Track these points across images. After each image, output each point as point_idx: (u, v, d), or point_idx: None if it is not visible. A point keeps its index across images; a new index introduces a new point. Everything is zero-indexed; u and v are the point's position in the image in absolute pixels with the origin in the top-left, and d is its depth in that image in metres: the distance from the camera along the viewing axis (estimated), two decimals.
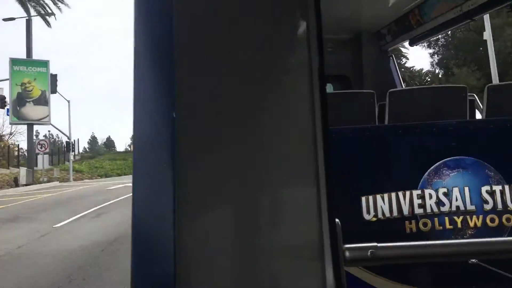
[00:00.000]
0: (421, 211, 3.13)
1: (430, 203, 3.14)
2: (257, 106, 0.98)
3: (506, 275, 2.89)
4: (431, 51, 37.49)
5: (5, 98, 37.58)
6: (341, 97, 3.73)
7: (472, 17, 4.89)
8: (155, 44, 0.95)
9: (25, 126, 41.86)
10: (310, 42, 0.99)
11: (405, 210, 3.12)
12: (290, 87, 1.01)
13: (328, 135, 1.01)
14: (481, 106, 4.00)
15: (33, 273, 8.46)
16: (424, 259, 1.38)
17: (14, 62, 39.67)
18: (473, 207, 3.13)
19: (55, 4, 42.37)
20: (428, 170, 3.18)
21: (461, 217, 3.13)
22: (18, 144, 46.49)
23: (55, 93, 41.09)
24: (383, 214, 3.11)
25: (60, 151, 53.09)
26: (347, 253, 1.17)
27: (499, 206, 3.13)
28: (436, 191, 3.15)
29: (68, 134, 43.02)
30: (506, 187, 3.15)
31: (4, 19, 40.03)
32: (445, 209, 3.13)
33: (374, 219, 3.10)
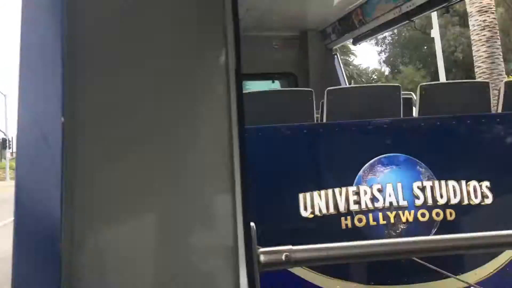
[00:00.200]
0: (356, 207, 3.20)
1: (365, 199, 3.22)
2: (167, 107, 0.95)
3: (435, 268, 3.01)
4: (379, 49, 38.49)
5: None
6: (280, 95, 3.76)
7: (411, 17, 5.05)
8: (42, 45, 0.90)
9: None
10: (227, 41, 0.97)
11: (341, 206, 3.19)
12: (205, 87, 0.99)
13: (244, 137, 1.00)
14: None
15: None
16: (339, 260, 1.40)
17: None
18: (405, 203, 3.24)
19: None
20: (363, 167, 3.26)
21: (394, 213, 3.22)
22: None
23: None
24: (320, 210, 3.17)
25: None
26: (261, 257, 1.16)
27: (430, 201, 3.25)
28: (371, 187, 3.23)
29: (4, 131, 41.19)
30: (436, 183, 3.27)
31: None
32: (379, 205, 3.22)
33: (311, 216, 3.15)
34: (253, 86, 7.89)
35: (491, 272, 3.25)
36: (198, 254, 0.96)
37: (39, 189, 0.87)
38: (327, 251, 1.30)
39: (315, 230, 3.17)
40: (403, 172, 3.29)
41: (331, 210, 3.18)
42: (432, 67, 34.65)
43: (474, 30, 15.84)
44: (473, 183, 3.29)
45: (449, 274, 3.09)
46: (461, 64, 32.81)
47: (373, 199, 3.22)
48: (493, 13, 15.70)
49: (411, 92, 4.94)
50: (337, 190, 3.20)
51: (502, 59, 16.21)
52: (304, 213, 3.14)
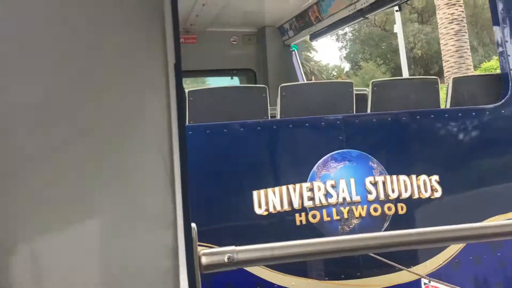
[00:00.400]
0: (310, 203, 3.22)
1: (319, 195, 3.25)
2: (101, 105, 0.91)
3: (387, 262, 3.07)
4: (340, 45, 38.98)
5: None
6: (233, 92, 3.74)
7: (365, 14, 5.14)
8: None
9: None
10: (166, 37, 0.95)
11: (295, 203, 3.20)
12: (142, 83, 0.96)
13: (185, 135, 0.98)
14: None
15: None
16: (283, 260, 1.40)
17: None
18: (358, 198, 3.29)
19: None
20: (317, 163, 3.28)
21: (347, 208, 3.27)
22: None
23: None
24: (274, 207, 3.17)
25: None
26: (203, 259, 1.17)
27: (382, 196, 3.31)
28: (324, 183, 3.26)
29: None
30: (388, 178, 3.33)
31: None
32: (332, 200, 3.26)
33: (266, 213, 3.16)
34: (212, 82, 7.87)
35: (441, 264, 3.35)
36: (136, 256, 0.93)
37: None
38: (271, 250, 1.31)
39: (269, 228, 3.18)
40: (356, 168, 3.34)
41: (286, 206, 3.19)
42: (391, 63, 35.39)
43: (442, 23, 15.54)
44: (423, 177, 3.37)
45: (401, 267, 3.16)
46: (420, 60, 33.64)
47: (327, 195, 3.26)
48: (461, 6, 15.40)
49: (366, 89, 5.02)
50: (291, 186, 3.22)
51: (470, 53, 15.93)
52: (258, 211, 3.15)
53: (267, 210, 3.16)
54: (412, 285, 3.27)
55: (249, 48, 6.73)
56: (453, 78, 3.75)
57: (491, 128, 3.59)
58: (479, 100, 3.64)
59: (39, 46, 0.86)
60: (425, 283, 3.23)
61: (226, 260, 1.21)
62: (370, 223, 3.29)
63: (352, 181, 3.31)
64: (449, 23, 15.28)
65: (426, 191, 3.37)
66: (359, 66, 36.35)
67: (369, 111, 3.60)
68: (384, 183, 3.33)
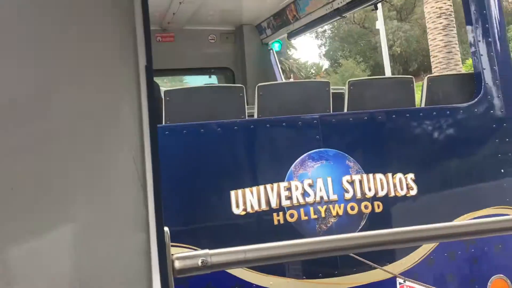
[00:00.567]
0: (288, 202, 3.26)
1: (296, 194, 3.28)
2: (70, 106, 0.90)
3: (363, 260, 3.13)
4: (319, 42, 39.27)
5: None
6: (210, 91, 3.76)
7: (342, 14, 5.20)
8: None
9: None
10: (136, 38, 0.95)
11: (273, 202, 3.24)
12: (113, 85, 0.95)
13: (157, 136, 0.97)
14: None
15: None
16: (256, 262, 1.42)
17: None
18: (335, 197, 3.33)
19: None
20: (294, 163, 3.32)
21: (324, 207, 3.31)
22: None
23: None
24: (252, 207, 3.20)
25: None
26: (176, 263, 1.16)
27: (358, 194, 3.36)
28: (302, 182, 3.30)
29: None
30: (364, 176, 3.39)
31: None
32: (310, 199, 3.30)
33: (244, 213, 3.18)
34: (190, 81, 7.85)
35: (417, 261, 3.42)
36: (107, 261, 0.93)
37: None
38: (244, 253, 1.30)
39: (247, 227, 3.20)
40: (333, 167, 3.39)
41: (263, 206, 3.22)
42: (371, 60, 35.74)
43: (430, 17, 15.04)
44: (399, 175, 3.44)
45: (376, 265, 3.23)
46: (399, 58, 34.04)
47: (304, 194, 3.30)
48: None
49: (344, 87, 5.08)
50: (269, 186, 3.25)
51: (458, 48, 15.39)
52: (236, 211, 3.17)
53: (244, 210, 3.19)
54: (389, 282, 3.34)
55: (227, 47, 6.74)
56: (428, 77, 3.83)
57: (464, 126, 3.68)
58: (453, 99, 3.72)
59: (6, 47, 0.86)
60: (400, 283, 3.30)
61: (199, 264, 1.20)
62: (347, 222, 3.34)
63: (329, 180, 3.35)
64: (437, 17, 14.81)
65: (402, 189, 3.44)
66: (339, 64, 36.61)
67: (345, 110, 3.66)
68: (360, 181, 3.39)
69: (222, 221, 3.20)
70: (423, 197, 3.47)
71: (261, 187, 3.24)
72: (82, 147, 0.91)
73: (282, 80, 6.78)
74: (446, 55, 14.79)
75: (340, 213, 3.34)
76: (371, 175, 3.41)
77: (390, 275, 3.32)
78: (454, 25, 15.26)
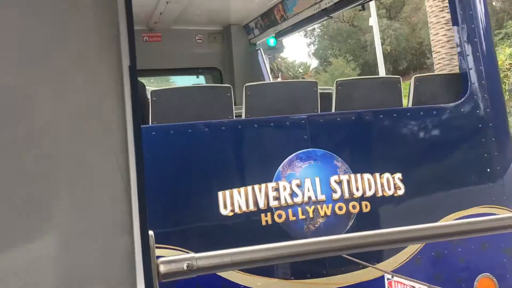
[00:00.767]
0: (276, 203, 3.29)
1: (284, 194, 3.32)
2: (50, 107, 0.90)
3: (352, 259, 3.17)
4: (308, 41, 39.35)
5: None
6: (197, 92, 3.78)
7: (329, 14, 5.25)
8: None
9: None
10: (120, 39, 0.95)
11: (261, 203, 3.26)
12: (96, 86, 0.95)
13: (141, 138, 0.96)
14: None
15: None
16: (243, 265, 1.43)
17: None
18: (323, 197, 3.37)
19: None
20: (282, 163, 3.35)
21: (312, 207, 3.35)
22: None
23: None
24: (240, 208, 3.23)
25: None
26: (161, 267, 1.16)
27: (346, 194, 3.41)
28: (290, 183, 3.34)
29: None
30: (352, 176, 3.44)
31: None
32: (298, 200, 3.33)
33: (231, 213, 3.21)
34: (178, 81, 7.86)
35: (405, 260, 3.47)
36: (91, 266, 0.92)
37: None
38: (231, 256, 1.31)
39: (235, 228, 3.23)
40: (321, 167, 3.42)
41: (251, 207, 3.25)
42: (360, 59, 35.90)
43: (432, 11, 14.50)
44: (387, 175, 3.49)
45: (365, 263, 3.28)
46: (389, 56, 34.22)
47: (292, 194, 3.33)
48: None
49: (331, 87, 5.13)
50: (256, 186, 3.28)
51: None
52: (224, 212, 3.19)
53: (232, 210, 3.21)
54: (377, 281, 3.38)
55: (214, 47, 6.77)
56: (415, 77, 3.89)
57: (451, 126, 3.74)
58: (440, 99, 3.78)
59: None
60: (388, 279, 3.35)
61: (185, 267, 1.20)
62: (335, 222, 3.38)
63: (317, 180, 3.39)
64: (440, 11, 14.17)
65: (389, 189, 3.49)
66: (329, 62, 36.73)
67: (333, 110, 3.70)
68: (348, 181, 3.43)
69: (210, 222, 3.22)
70: (411, 197, 3.52)
71: (249, 188, 3.26)
72: (64, 148, 0.91)
73: (270, 80, 6.82)
74: (449, 51, 14.06)
75: (328, 213, 3.38)
76: (359, 175, 3.45)
77: (379, 274, 3.37)
78: None
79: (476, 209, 3.59)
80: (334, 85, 3.74)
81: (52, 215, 0.90)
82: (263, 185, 3.29)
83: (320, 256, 1.74)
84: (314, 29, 36.50)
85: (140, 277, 0.94)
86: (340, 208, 3.40)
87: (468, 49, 3.72)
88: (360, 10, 5.24)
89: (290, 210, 3.32)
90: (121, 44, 0.95)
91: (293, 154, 3.38)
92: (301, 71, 37.91)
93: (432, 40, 15.08)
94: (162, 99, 3.42)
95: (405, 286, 3.37)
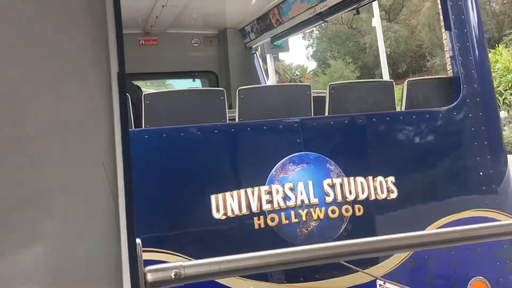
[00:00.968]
0: (269, 206, 3.32)
1: (277, 198, 3.35)
2: (40, 112, 0.89)
3: (345, 264, 3.20)
4: (306, 43, 39.45)
5: None
6: (191, 95, 3.82)
7: (324, 18, 5.31)
8: None
9: None
10: (108, 44, 0.95)
11: (254, 206, 3.30)
12: (84, 93, 0.94)
13: (128, 143, 0.96)
14: None
15: None
16: (231, 274, 1.44)
17: None
18: (316, 200, 3.41)
19: None
20: (275, 166, 3.39)
21: (305, 210, 3.38)
22: None
23: None
24: (233, 211, 3.26)
25: None
26: (148, 276, 1.15)
27: (339, 198, 3.44)
28: (283, 186, 3.37)
29: None
30: (345, 180, 3.47)
31: None
32: (291, 203, 3.37)
33: (224, 217, 3.24)
34: (174, 84, 7.92)
35: (397, 264, 3.50)
36: (77, 274, 0.91)
37: None
38: (219, 265, 1.30)
39: (228, 232, 3.26)
40: (314, 170, 3.46)
41: (244, 210, 3.28)
42: (359, 61, 35.99)
43: None
44: (380, 178, 3.53)
45: (357, 268, 3.31)
46: (388, 59, 34.32)
47: (285, 197, 3.36)
48: None
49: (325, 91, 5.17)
50: (249, 190, 3.31)
51: None
52: (216, 215, 3.23)
53: (225, 214, 3.24)
54: (369, 286, 3.42)
55: (210, 50, 6.84)
56: (408, 81, 3.94)
57: (443, 130, 3.78)
58: (433, 102, 3.83)
59: None
60: (380, 285, 3.38)
61: (173, 276, 1.19)
62: (328, 225, 3.41)
63: (310, 183, 3.42)
64: None
65: (382, 192, 3.52)
66: (328, 64, 36.81)
67: (326, 113, 3.74)
68: (341, 185, 3.47)
69: (202, 226, 3.26)
70: (404, 200, 3.56)
71: (242, 191, 3.29)
72: (50, 154, 0.90)
73: (266, 83, 6.88)
74: None
75: (321, 216, 3.41)
76: (352, 179, 3.49)
77: (370, 278, 3.40)
78: None
79: (469, 213, 3.62)
80: (328, 88, 3.79)
81: (38, 221, 0.88)
82: (256, 189, 3.32)
83: (310, 264, 1.74)
84: (312, 31, 36.62)
85: (127, 286, 0.93)
86: (333, 212, 3.43)
87: (461, 53, 3.77)
88: (355, 14, 5.28)
89: (283, 214, 3.35)
90: (109, 51, 0.95)
91: (286, 158, 3.42)
92: (298, 73, 37.97)
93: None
94: (155, 103, 3.46)
95: None
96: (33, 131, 0.89)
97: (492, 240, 3.45)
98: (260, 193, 3.33)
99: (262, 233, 3.28)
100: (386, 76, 22.91)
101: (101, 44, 0.94)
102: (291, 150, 3.44)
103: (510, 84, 18.43)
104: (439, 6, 3.95)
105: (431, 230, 3.40)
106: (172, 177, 3.27)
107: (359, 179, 3.50)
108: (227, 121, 3.57)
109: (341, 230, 3.43)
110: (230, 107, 4.88)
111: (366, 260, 3.43)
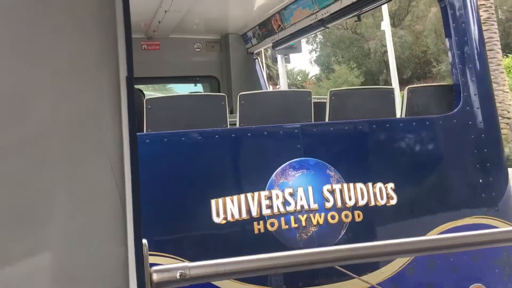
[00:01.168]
0: (268, 211, 3.39)
1: (277, 203, 3.41)
2: (50, 114, 0.92)
3: (344, 271, 3.26)
4: (309, 47, 39.54)
5: None
6: (192, 100, 3.89)
7: (326, 24, 5.38)
8: None
9: None
10: (118, 49, 0.98)
11: (254, 211, 3.36)
12: (94, 96, 0.97)
13: (136, 146, 0.99)
14: None
15: None
16: (236, 275, 1.47)
17: None
18: (316, 206, 3.47)
19: None
20: (275, 172, 3.46)
21: (305, 216, 3.44)
22: None
23: None
24: (232, 216, 3.32)
25: None
26: (154, 276, 1.18)
27: (339, 203, 3.50)
28: (283, 191, 3.43)
29: None
30: (345, 186, 3.53)
31: None
32: (290, 208, 3.43)
33: (224, 221, 3.30)
34: (176, 89, 8.00)
35: (396, 270, 3.56)
36: (84, 274, 0.93)
37: None
38: (224, 266, 1.34)
39: (227, 236, 3.32)
40: (314, 176, 3.52)
41: (244, 215, 3.34)
42: (363, 67, 36.05)
43: None
44: (379, 185, 3.59)
45: (355, 275, 3.35)
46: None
47: (285, 203, 3.42)
48: None
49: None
50: (249, 195, 3.37)
51: (500, 46, 13.43)
52: (216, 219, 3.29)
53: (225, 218, 3.30)
54: None
55: (212, 55, 6.93)
56: (408, 88, 4.01)
57: (443, 137, 3.85)
58: (433, 109, 3.89)
59: None
60: None
61: (178, 276, 1.22)
62: (327, 231, 3.47)
63: (310, 189, 3.48)
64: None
65: (382, 198, 3.58)
66: (332, 69, 36.86)
67: (327, 120, 3.81)
68: (341, 191, 3.53)
69: (202, 230, 3.32)
70: (403, 207, 3.61)
71: (242, 196, 3.35)
72: (59, 156, 0.92)
73: (268, 89, 6.96)
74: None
75: (321, 222, 3.46)
76: (351, 185, 3.55)
77: (369, 284, 3.45)
78: (495, 19, 13.44)
79: (468, 220, 3.67)
80: (328, 95, 3.85)
81: (46, 222, 0.90)
82: (256, 194, 3.38)
83: (313, 267, 1.78)
84: (316, 35, 36.69)
85: (134, 286, 0.95)
86: (333, 217, 3.49)
87: (461, 61, 3.83)
88: (356, 21, 5.36)
89: (282, 219, 3.41)
90: (119, 55, 0.97)
91: (286, 163, 3.48)
92: (300, 78, 38.03)
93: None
94: (157, 107, 3.53)
95: None
96: (42, 133, 0.92)
97: (491, 247, 3.51)
98: (260, 198, 3.38)
99: (262, 238, 3.34)
100: (395, 81, 22.75)
101: (110, 49, 0.97)
102: (291, 155, 3.50)
103: None
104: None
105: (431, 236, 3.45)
106: (173, 181, 3.34)
107: (359, 185, 3.56)
108: (228, 126, 3.64)
109: (340, 236, 3.48)
110: (231, 112, 4.95)
111: (366, 266, 3.48)
